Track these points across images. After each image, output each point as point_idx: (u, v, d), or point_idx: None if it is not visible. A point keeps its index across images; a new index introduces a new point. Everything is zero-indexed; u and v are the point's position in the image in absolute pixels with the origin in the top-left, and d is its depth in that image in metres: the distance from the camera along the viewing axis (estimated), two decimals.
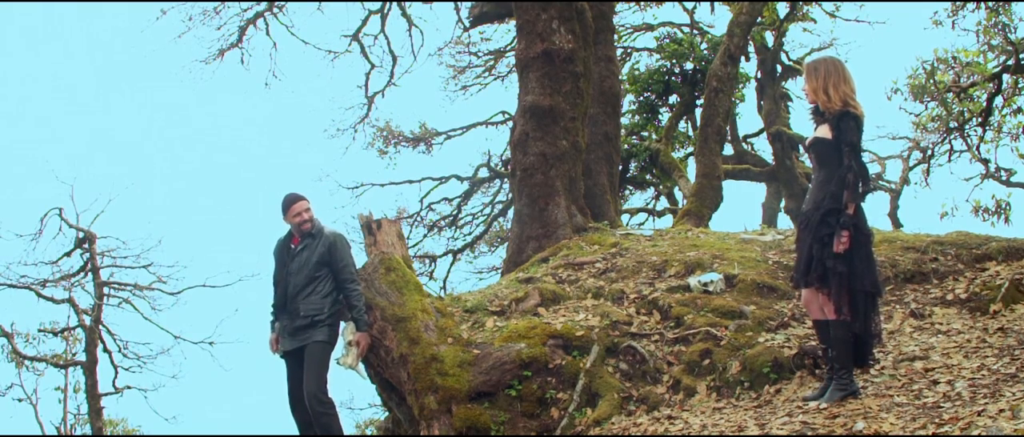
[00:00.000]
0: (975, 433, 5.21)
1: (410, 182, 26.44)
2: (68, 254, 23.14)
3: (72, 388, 23.74)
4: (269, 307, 8.67)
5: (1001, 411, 5.61)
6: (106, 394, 22.78)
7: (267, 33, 22.18)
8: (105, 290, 23.25)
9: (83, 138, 63.49)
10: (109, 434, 23.51)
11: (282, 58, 24.94)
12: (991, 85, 18.78)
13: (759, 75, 26.16)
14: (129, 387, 23.18)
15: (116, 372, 23.09)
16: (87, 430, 23.04)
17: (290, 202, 8.55)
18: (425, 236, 26.60)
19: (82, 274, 23.11)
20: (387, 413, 11.05)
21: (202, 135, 68.51)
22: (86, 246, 23.14)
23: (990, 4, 18.28)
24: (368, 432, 22.13)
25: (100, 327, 22.89)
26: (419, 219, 26.34)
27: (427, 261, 26.16)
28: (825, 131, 6.79)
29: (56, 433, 23.52)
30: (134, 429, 25.46)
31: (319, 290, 8.37)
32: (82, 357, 22.93)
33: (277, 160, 66.66)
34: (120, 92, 66.74)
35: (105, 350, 22.96)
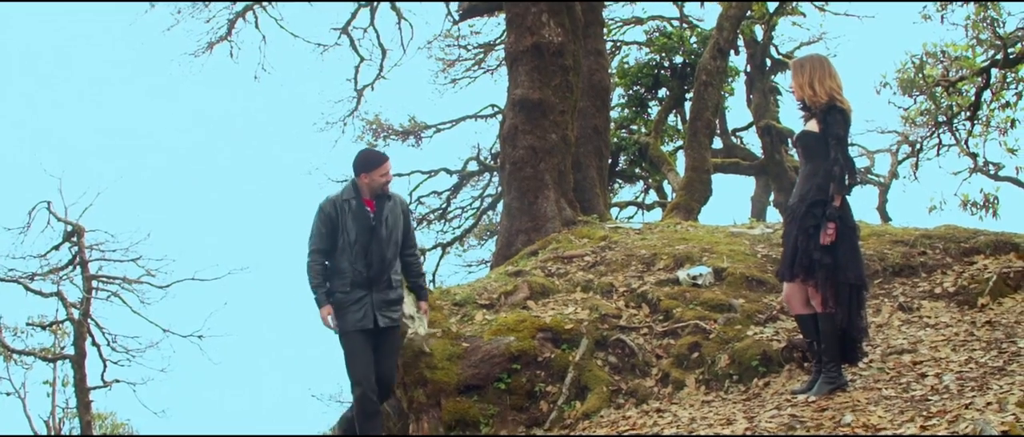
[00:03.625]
0: (963, 426, 5.23)
1: (399, 175, 26.34)
2: (56, 247, 23.04)
3: (60, 382, 23.75)
4: (316, 276, 7.52)
5: (988, 404, 5.64)
6: (95, 388, 22.71)
7: (256, 26, 22.11)
8: (94, 283, 23.16)
9: (72, 131, 63.34)
10: (98, 431, 23.48)
11: (271, 51, 24.90)
12: (979, 79, 18.82)
13: (748, 69, 26.20)
14: (118, 381, 23.09)
15: (105, 366, 23.02)
16: (75, 424, 23.00)
17: (381, 159, 7.66)
18: (414, 229, 26.54)
19: (70, 267, 23.03)
20: None
21: (191, 128, 68.45)
22: (74, 239, 23.05)
23: None
24: None
25: (88, 320, 22.80)
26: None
27: None
28: (813, 125, 6.85)
29: (44, 427, 23.50)
30: (123, 423, 25.45)
31: (397, 260, 7.72)
32: (70, 351, 22.84)
33: (266, 153, 66.65)
34: (109, 85, 66.60)
35: (94, 344, 22.87)
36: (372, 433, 7.41)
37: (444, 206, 26.72)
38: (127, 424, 25.64)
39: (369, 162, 7.63)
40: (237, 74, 73.48)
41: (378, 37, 23.96)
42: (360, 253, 7.47)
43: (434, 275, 25.88)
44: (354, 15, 23.45)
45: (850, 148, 6.81)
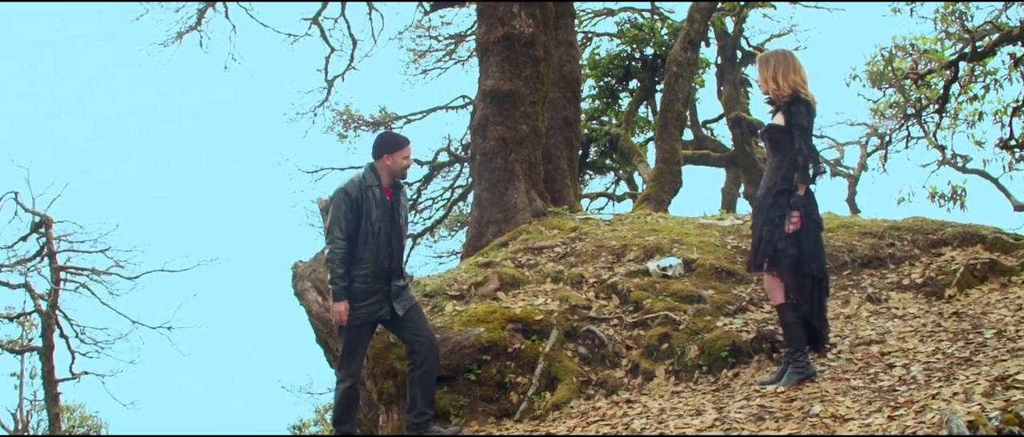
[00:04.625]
0: (929, 416, 5.26)
1: None
2: (24, 238, 22.86)
3: (28, 374, 23.55)
4: (341, 265, 7.30)
5: (955, 394, 5.67)
6: (63, 380, 22.56)
7: (226, 16, 21.95)
8: (62, 275, 23.00)
9: (39, 122, 62.78)
10: (66, 424, 23.31)
11: (241, 42, 24.75)
12: (948, 72, 18.92)
13: (719, 61, 26.28)
14: (86, 373, 22.95)
15: (73, 358, 22.87)
16: (43, 416, 22.85)
17: (404, 141, 7.56)
18: None
19: (38, 259, 22.86)
20: None
21: (160, 119, 67.97)
22: (42, 230, 22.86)
23: None
24: (328, 417, 22.06)
25: (57, 312, 22.65)
26: None
27: None
28: (779, 118, 6.94)
29: (12, 420, 23.32)
30: (91, 416, 25.29)
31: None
32: (38, 343, 22.68)
33: (236, 144, 66.28)
34: (77, 76, 66.04)
35: (62, 335, 22.72)
36: (350, 423, 7.47)
37: (415, 197, 26.63)
38: (96, 416, 25.51)
39: (392, 143, 7.55)
40: (206, 65, 72.98)
41: (349, 27, 23.84)
42: (385, 242, 7.42)
43: (405, 266, 25.80)
44: (325, 5, 23.34)
45: (817, 140, 6.89)
